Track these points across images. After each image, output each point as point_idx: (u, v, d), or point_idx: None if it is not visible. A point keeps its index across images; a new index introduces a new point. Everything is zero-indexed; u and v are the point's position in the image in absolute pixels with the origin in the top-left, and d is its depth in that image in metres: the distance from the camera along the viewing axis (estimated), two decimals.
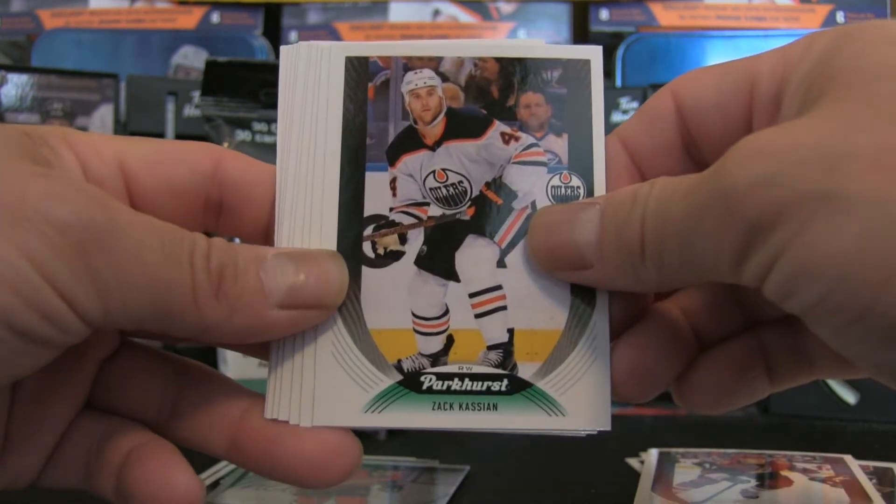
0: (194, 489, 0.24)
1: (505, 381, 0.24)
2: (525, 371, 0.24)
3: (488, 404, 0.24)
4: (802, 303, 0.19)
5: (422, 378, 0.24)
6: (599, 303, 0.24)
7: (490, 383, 0.24)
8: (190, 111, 0.72)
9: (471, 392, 0.24)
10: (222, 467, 0.43)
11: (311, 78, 0.25)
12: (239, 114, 0.62)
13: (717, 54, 0.80)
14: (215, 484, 0.41)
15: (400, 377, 0.24)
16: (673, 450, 0.44)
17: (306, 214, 0.25)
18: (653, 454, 0.43)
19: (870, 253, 0.17)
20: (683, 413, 0.61)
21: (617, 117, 0.72)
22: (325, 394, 0.24)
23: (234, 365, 0.54)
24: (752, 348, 0.26)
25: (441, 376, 0.24)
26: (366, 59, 0.25)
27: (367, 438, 0.52)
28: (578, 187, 0.25)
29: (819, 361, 0.26)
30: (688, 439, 0.47)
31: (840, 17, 0.81)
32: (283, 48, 0.26)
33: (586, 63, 0.27)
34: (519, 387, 0.24)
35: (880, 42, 0.20)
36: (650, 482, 0.39)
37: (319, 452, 0.23)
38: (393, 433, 0.52)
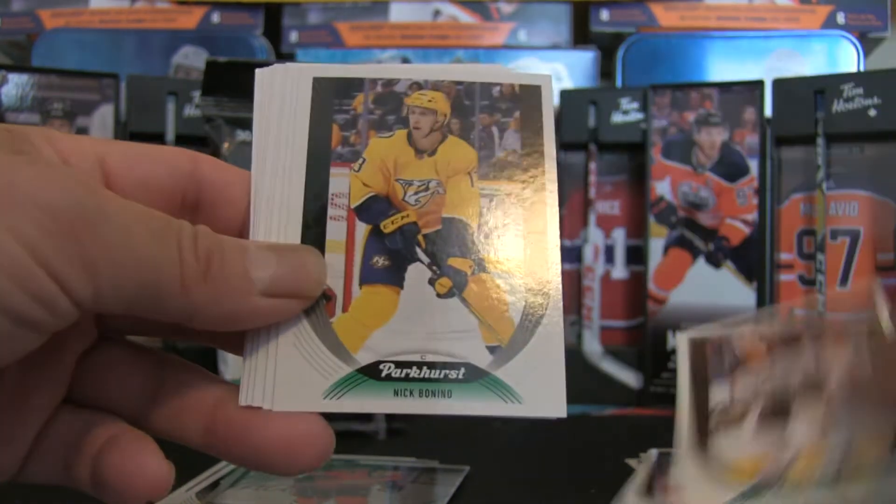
0: (164, 473, 0.24)
1: (462, 370, 0.25)
2: (482, 360, 0.25)
3: (445, 391, 0.25)
4: None
5: (381, 366, 0.25)
6: (553, 295, 0.26)
7: (447, 371, 0.25)
8: (190, 111, 0.72)
9: (429, 379, 0.25)
10: (222, 467, 0.43)
11: (283, 95, 0.28)
12: (239, 114, 0.62)
13: (718, 55, 0.80)
14: (215, 484, 0.41)
15: (360, 365, 0.25)
16: (673, 451, 0.44)
17: (278, 215, 0.26)
18: (653, 455, 0.43)
19: None
20: None
21: (617, 118, 0.72)
22: (287, 380, 0.25)
23: (235, 366, 0.54)
24: None
25: (399, 364, 0.25)
26: (332, 79, 0.28)
27: (367, 439, 0.51)
28: None
29: None
30: None
31: (840, 17, 0.81)
32: (258, 71, 0.28)
33: (537, 89, 0.28)
34: (476, 375, 0.25)
35: None
36: (637, 486, 0.39)
37: (290, 438, 0.24)
38: (393, 433, 0.52)
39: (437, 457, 0.46)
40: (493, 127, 0.28)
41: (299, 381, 0.25)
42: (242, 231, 0.26)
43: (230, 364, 0.54)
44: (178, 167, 0.26)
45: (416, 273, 0.26)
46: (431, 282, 0.26)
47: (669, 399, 0.69)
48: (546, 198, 0.27)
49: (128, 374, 0.26)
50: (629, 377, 0.69)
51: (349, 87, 0.28)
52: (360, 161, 0.28)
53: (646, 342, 0.69)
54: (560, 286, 0.26)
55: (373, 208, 0.27)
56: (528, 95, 0.28)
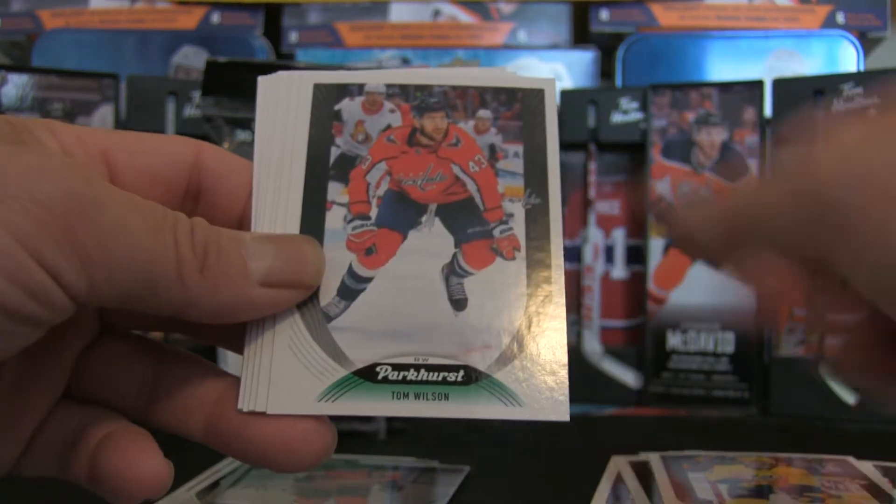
0: (161, 472, 0.24)
1: (461, 372, 0.25)
2: (481, 362, 0.25)
3: (443, 394, 0.25)
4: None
5: (377, 368, 0.25)
6: (556, 296, 0.26)
7: (446, 374, 0.25)
8: (190, 111, 0.72)
9: (426, 382, 0.25)
10: (223, 467, 0.43)
11: (285, 101, 0.28)
12: (239, 114, 0.62)
13: (718, 55, 0.80)
14: (215, 484, 0.41)
15: (355, 368, 0.25)
16: (673, 452, 0.44)
17: (279, 211, 0.26)
18: (618, 461, 0.43)
19: None
20: (684, 413, 0.61)
21: (617, 118, 0.72)
22: (281, 383, 0.25)
23: (235, 365, 0.54)
24: None
25: (396, 367, 0.25)
26: (333, 85, 0.28)
27: (368, 439, 0.51)
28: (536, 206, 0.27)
29: None
30: (688, 439, 0.47)
31: (840, 17, 0.81)
32: (260, 78, 0.28)
33: (540, 92, 0.29)
34: (475, 377, 0.25)
35: None
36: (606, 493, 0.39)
37: (289, 438, 0.24)
38: (393, 433, 0.52)
39: (437, 457, 0.46)
40: (493, 131, 0.28)
41: (294, 383, 0.25)
42: (242, 221, 0.26)
43: (230, 363, 0.54)
44: (180, 157, 0.26)
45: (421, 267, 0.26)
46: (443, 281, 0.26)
47: (670, 399, 0.69)
48: (549, 202, 0.27)
49: (128, 368, 0.26)
50: (629, 377, 0.69)
51: (348, 91, 0.29)
52: (365, 160, 0.28)
53: (646, 342, 0.69)
54: (563, 287, 0.26)
55: (389, 210, 0.27)
56: (530, 99, 0.28)
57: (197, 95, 0.70)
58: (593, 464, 0.44)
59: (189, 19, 0.87)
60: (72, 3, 0.88)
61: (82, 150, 0.24)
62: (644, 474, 0.41)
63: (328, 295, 0.26)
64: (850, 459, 0.42)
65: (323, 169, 0.27)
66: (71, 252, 0.20)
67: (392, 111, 0.28)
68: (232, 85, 0.62)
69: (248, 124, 0.62)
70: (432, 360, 0.25)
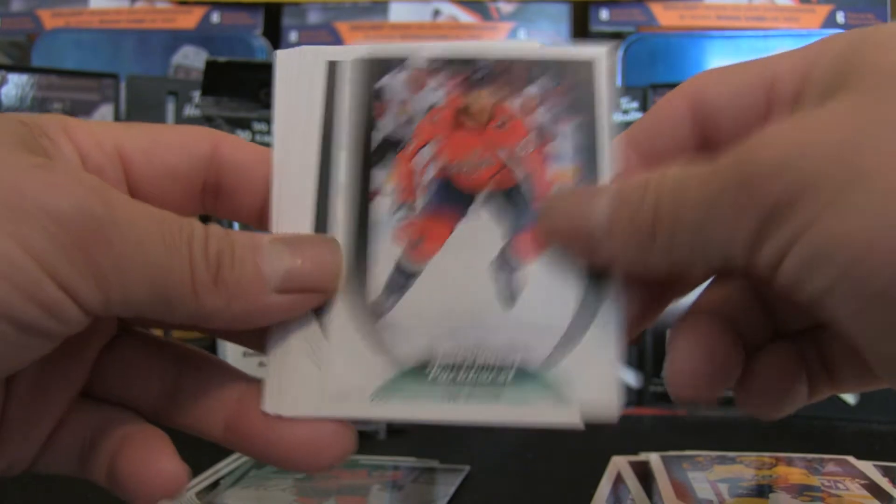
0: (179, 475, 0.24)
1: (511, 372, 0.24)
2: (531, 361, 0.24)
3: (494, 394, 0.24)
4: (817, 287, 0.19)
5: (427, 369, 0.24)
6: (611, 291, 0.24)
7: (496, 374, 0.24)
8: (190, 111, 0.72)
9: (477, 383, 0.24)
10: (222, 467, 0.43)
11: (301, 79, 0.26)
12: (239, 114, 0.62)
13: (717, 54, 0.80)
14: (215, 484, 0.41)
15: (405, 368, 0.24)
16: (673, 452, 0.44)
17: (299, 205, 0.25)
18: (618, 461, 0.44)
19: (889, 236, 0.17)
20: (683, 413, 0.61)
21: (616, 117, 0.72)
22: (295, 384, 0.24)
23: (234, 364, 0.54)
24: (791, 356, 0.26)
25: (446, 367, 0.24)
26: (373, 60, 0.26)
27: (367, 438, 0.51)
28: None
29: (840, 375, 0.26)
30: (688, 440, 0.47)
31: (840, 17, 0.81)
32: (278, 52, 0.26)
33: (589, 65, 0.26)
34: (525, 378, 0.24)
35: None
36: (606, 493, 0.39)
37: (314, 439, 0.24)
38: (393, 433, 0.52)
39: (437, 457, 0.46)
40: (542, 110, 0.26)
41: (332, 385, 0.24)
42: (264, 212, 0.26)
43: (229, 355, 0.54)
44: (197, 153, 0.25)
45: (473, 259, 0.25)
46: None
47: (670, 399, 0.69)
48: (599, 182, 0.25)
49: (146, 368, 0.26)
50: (629, 377, 0.69)
51: (388, 67, 0.26)
52: (410, 145, 0.26)
53: (646, 342, 0.69)
54: (616, 280, 0.24)
55: (436, 199, 0.26)
56: (581, 73, 0.26)
57: (197, 95, 0.70)
58: (593, 464, 0.44)
59: (189, 19, 0.87)
60: (72, 3, 0.88)
61: (98, 151, 0.24)
62: (644, 474, 0.41)
63: (375, 290, 0.25)
64: (850, 459, 0.42)
65: (365, 155, 0.26)
66: (86, 270, 0.20)
67: (435, 89, 0.26)
68: (232, 85, 0.62)
69: (248, 124, 0.63)
70: (482, 360, 0.24)
